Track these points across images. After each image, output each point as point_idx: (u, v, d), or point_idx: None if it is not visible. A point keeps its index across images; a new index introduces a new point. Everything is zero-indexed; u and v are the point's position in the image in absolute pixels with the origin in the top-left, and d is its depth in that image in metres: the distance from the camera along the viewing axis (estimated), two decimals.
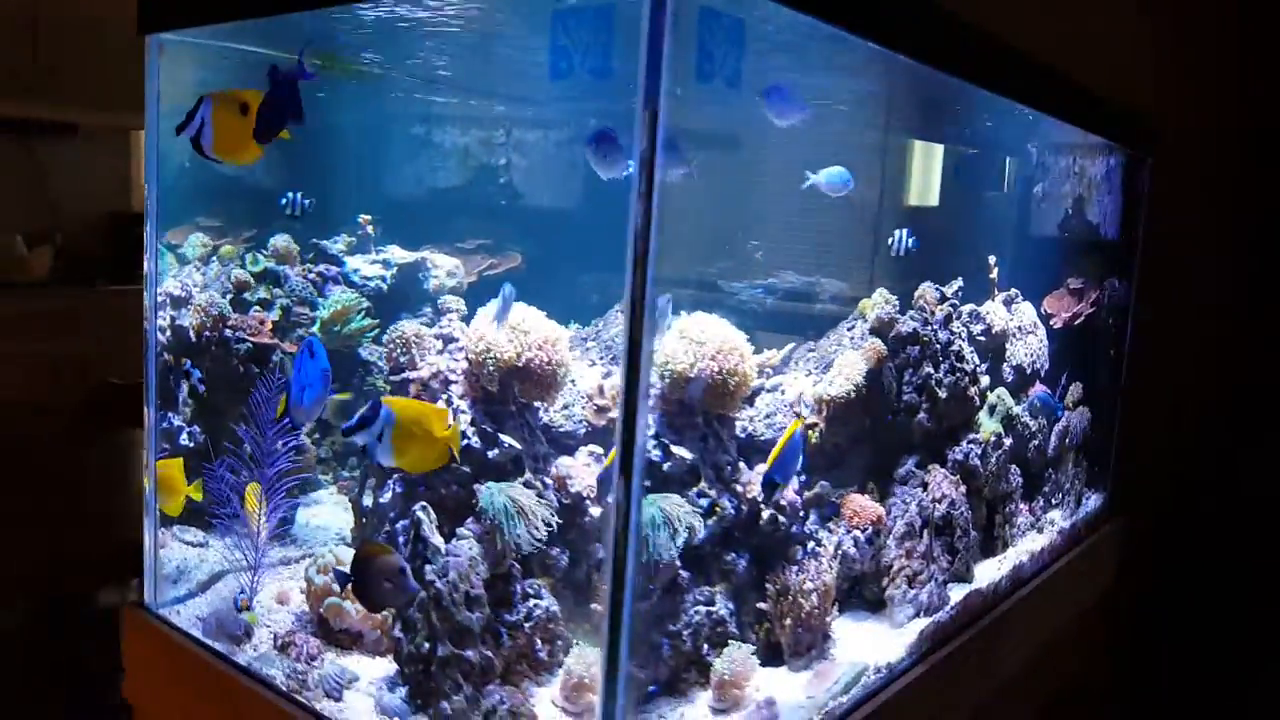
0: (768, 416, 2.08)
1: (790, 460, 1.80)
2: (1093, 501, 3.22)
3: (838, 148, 2.72)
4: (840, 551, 2.08)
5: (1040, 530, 2.84)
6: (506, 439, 1.75)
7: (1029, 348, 2.89)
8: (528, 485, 1.74)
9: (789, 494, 1.99)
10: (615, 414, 1.87)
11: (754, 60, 1.69)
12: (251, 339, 2.02)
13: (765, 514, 1.91)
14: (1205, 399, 3.72)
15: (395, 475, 1.83)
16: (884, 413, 2.31)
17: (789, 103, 1.70)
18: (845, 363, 2.12)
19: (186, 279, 2.11)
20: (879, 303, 2.21)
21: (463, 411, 1.75)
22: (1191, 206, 3.50)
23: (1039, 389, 2.77)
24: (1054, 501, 3.04)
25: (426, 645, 1.61)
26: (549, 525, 1.69)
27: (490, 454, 1.75)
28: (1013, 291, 2.94)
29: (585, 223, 2.48)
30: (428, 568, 1.65)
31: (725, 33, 1.49)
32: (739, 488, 1.91)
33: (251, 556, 1.84)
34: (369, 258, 2.38)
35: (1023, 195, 3.19)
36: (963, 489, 2.44)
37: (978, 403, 2.57)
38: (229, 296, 2.10)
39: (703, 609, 1.79)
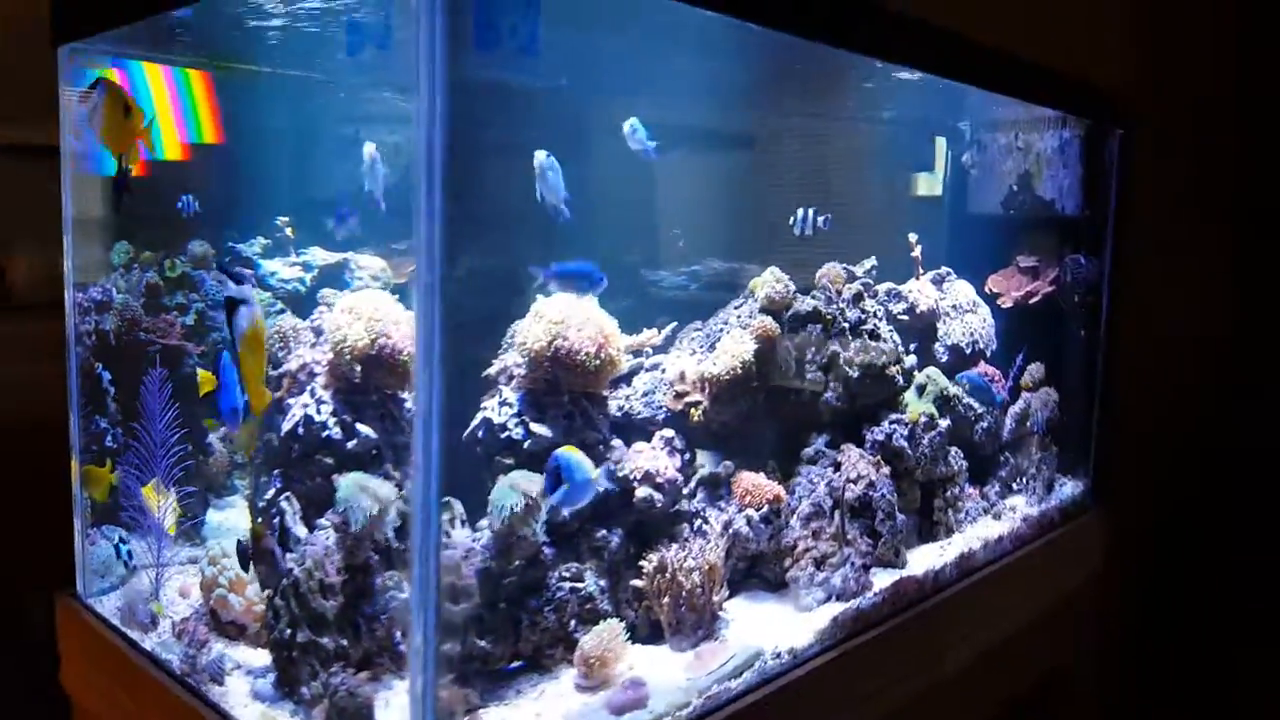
0: (645, 395, 2.10)
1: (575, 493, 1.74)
2: (1069, 489, 3.11)
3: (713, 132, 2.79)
4: (731, 530, 2.07)
5: (997, 516, 2.77)
6: (364, 429, 1.82)
7: (968, 327, 2.86)
8: (387, 477, 1.80)
9: (669, 472, 2.00)
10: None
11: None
12: (160, 341, 2.14)
13: (640, 492, 1.93)
14: (1195, 383, 3.60)
15: (275, 471, 1.91)
16: (784, 391, 2.32)
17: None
18: (730, 341, 2.14)
19: (109, 285, 2.24)
20: (769, 281, 2.23)
21: (324, 402, 1.83)
22: (1173, 176, 3.43)
23: (970, 371, 2.72)
24: (1014, 487, 2.96)
25: (288, 631, 1.67)
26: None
27: (349, 445, 1.82)
28: (943, 270, 2.92)
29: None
30: (289, 556, 1.72)
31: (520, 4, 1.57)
32: (610, 465, 1.94)
33: (155, 550, 1.95)
34: (288, 260, 2.49)
35: (958, 173, 3.19)
36: (885, 470, 2.40)
37: (901, 382, 2.54)
38: (142, 301, 2.23)
39: (568, 585, 1.80)
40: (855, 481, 2.31)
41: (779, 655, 1.87)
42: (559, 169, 1.79)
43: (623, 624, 1.85)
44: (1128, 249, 3.18)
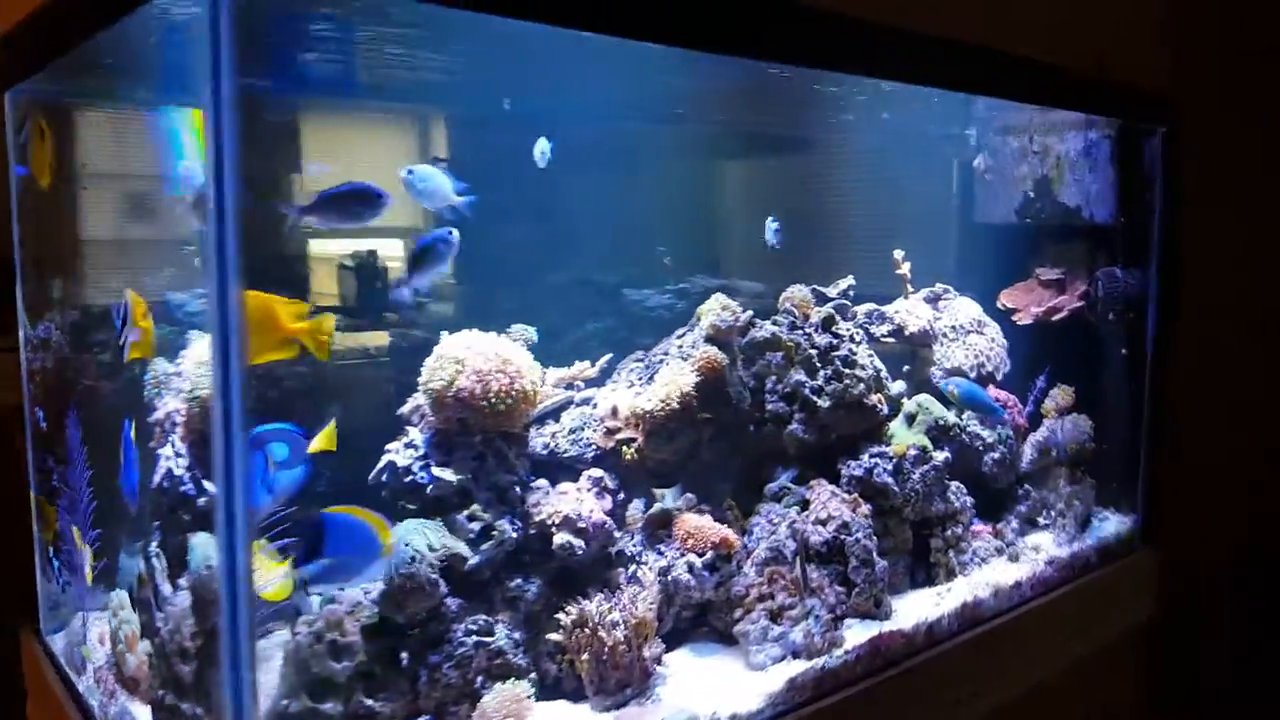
0: (572, 432, 1.99)
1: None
2: (1111, 525, 2.81)
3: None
4: (672, 578, 1.93)
5: (1014, 558, 2.51)
6: (210, 485, 1.76)
7: (971, 348, 2.63)
8: None
9: (595, 515, 1.88)
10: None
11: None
12: (83, 380, 2.18)
13: (558, 538, 1.82)
14: (1266, 409, 3.22)
15: (154, 522, 1.88)
16: (741, 425, 2.16)
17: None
18: (668, 373, 2.01)
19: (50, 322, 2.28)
20: (714, 309, 2.10)
21: (180, 455, 1.77)
22: (1233, 177, 3.11)
23: (961, 379, 2.49)
24: (1040, 523, 2.69)
25: (160, 693, 1.62)
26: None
27: (200, 501, 1.76)
28: (939, 287, 2.71)
29: None
30: (157, 615, 1.67)
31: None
32: (530, 509, 1.84)
33: (79, 593, 1.96)
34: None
35: (963, 182, 2.97)
36: (864, 509, 2.21)
37: (885, 411, 2.35)
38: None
39: (474, 639, 1.70)
40: (824, 523, 2.12)
41: None
42: (430, 176, 1.71)
43: (530, 682, 1.73)
44: (1177, 259, 2.88)
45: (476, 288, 2.55)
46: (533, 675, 1.78)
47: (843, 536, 2.09)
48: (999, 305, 2.88)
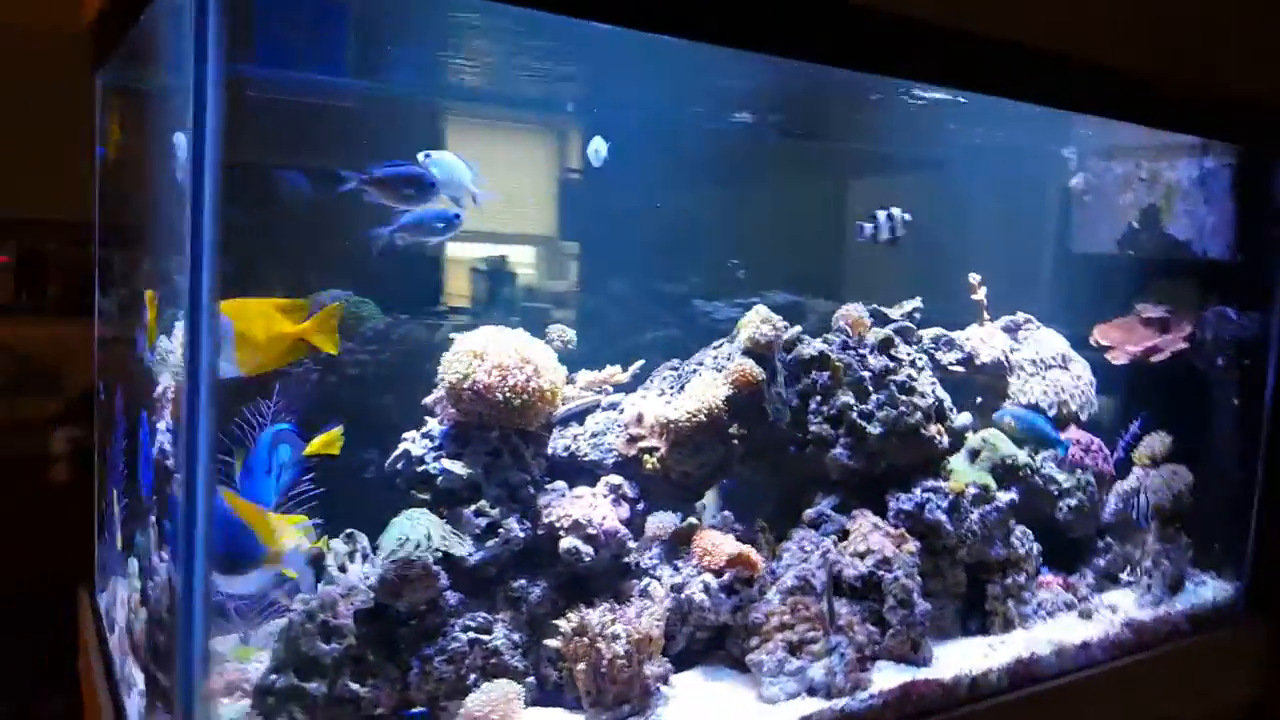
0: (594, 435, 1.93)
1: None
2: (1209, 590, 2.51)
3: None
4: (685, 596, 1.83)
5: (1085, 615, 2.27)
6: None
7: (1053, 385, 2.41)
8: None
9: (607, 523, 1.81)
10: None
11: None
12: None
13: (565, 542, 1.76)
14: None
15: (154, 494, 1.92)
16: (781, 444, 2.04)
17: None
18: (700, 384, 1.92)
19: None
20: (753, 321, 1.99)
21: (169, 430, 1.77)
22: None
23: (1017, 408, 2.28)
24: (1121, 580, 2.43)
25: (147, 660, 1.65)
26: None
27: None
28: (1019, 317, 2.49)
29: None
30: (149, 585, 1.70)
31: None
32: (540, 510, 1.78)
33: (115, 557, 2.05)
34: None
35: (1063, 208, 2.75)
36: (911, 545, 2.04)
37: (943, 443, 2.17)
38: None
39: (468, 635, 1.66)
40: (863, 556, 1.98)
41: None
42: (449, 164, 1.69)
43: (527, 686, 1.68)
44: None
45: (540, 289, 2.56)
46: (530, 679, 1.73)
47: (881, 573, 1.94)
48: (1093, 342, 2.64)
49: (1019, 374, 2.38)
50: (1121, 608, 2.33)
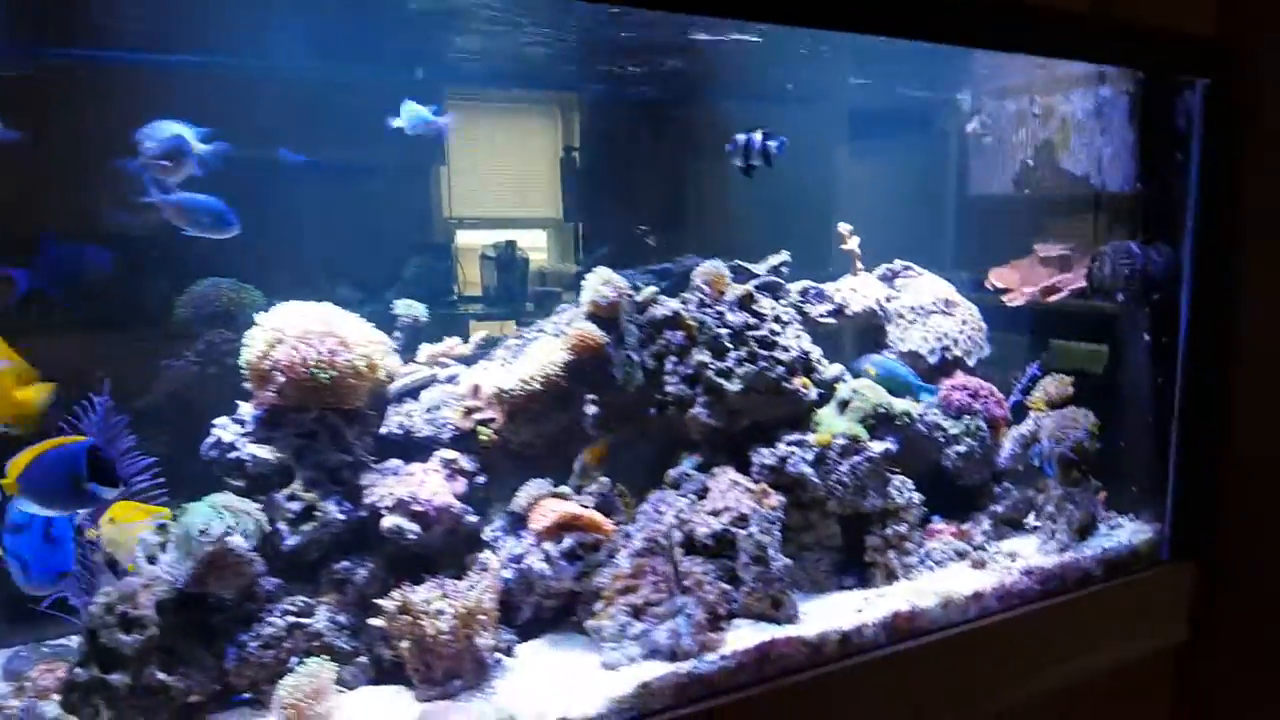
0: (429, 410, 1.86)
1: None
2: (1124, 535, 2.37)
3: None
4: (525, 566, 1.75)
5: (979, 564, 2.15)
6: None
7: (934, 330, 2.30)
8: None
9: (439, 498, 1.74)
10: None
11: None
12: None
13: (387, 521, 1.69)
14: None
15: None
16: (636, 407, 1.96)
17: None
18: (537, 350, 1.84)
19: None
20: (593, 284, 1.91)
21: None
22: None
23: (879, 355, 2.16)
24: (1026, 526, 2.31)
25: None
26: None
27: None
28: (897, 264, 2.38)
29: None
30: None
31: None
32: (363, 490, 1.73)
33: None
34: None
35: (959, 152, 2.62)
36: (773, 500, 1.95)
37: (810, 396, 2.07)
38: None
39: (286, 620, 1.60)
40: (718, 514, 1.89)
41: None
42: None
43: (353, 665, 1.62)
44: (1223, 231, 2.39)
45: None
46: (363, 659, 1.67)
47: (735, 530, 1.85)
48: (987, 285, 2.52)
49: (898, 322, 2.27)
50: (1022, 555, 2.21)
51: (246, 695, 1.60)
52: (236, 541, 1.56)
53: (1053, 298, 2.41)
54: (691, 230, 2.88)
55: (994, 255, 2.52)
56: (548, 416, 1.84)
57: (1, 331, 1.60)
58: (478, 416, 1.81)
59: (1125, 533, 2.37)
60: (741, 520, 1.87)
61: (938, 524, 2.24)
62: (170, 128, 1.60)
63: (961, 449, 2.22)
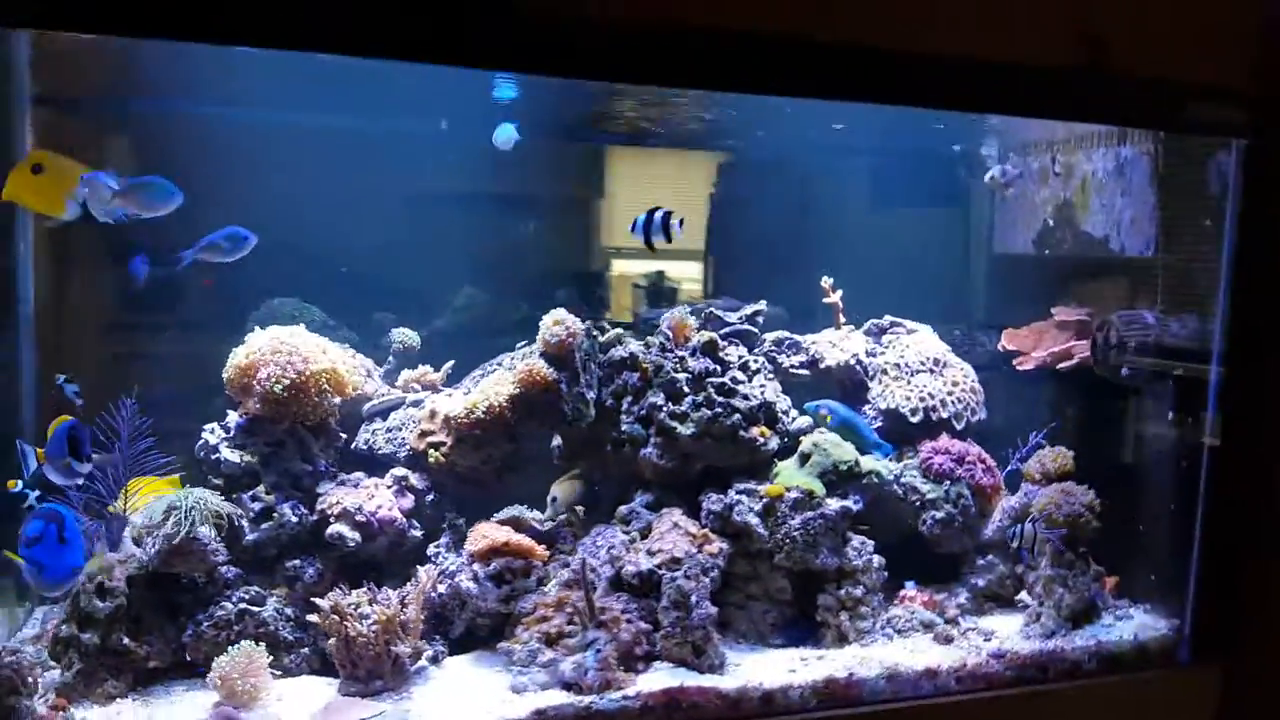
0: (390, 431, 1.99)
1: None
2: (1130, 626, 2.14)
3: None
4: (455, 583, 1.84)
5: (945, 639, 2.02)
6: None
7: (917, 390, 2.20)
8: None
9: (383, 512, 1.87)
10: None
11: None
12: None
13: (331, 528, 1.84)
14: None
15: None
16: (594, 443, 2.01)
17: None
18: (489, 382, 1.93)
19: None
20: (547, 324, 1.99)
21: None
22: None
23: (831, 401, 2.07)
24: (1017, 603, 2.14)
25: None
26: None
27: None
28: (886, 320, 2.29)
29: None
30: None
31: None
32: (320, 499, 1.88)
33: None
34: None
35: (982, 208, 2.50)
36: (713, 547, 1.94)
37: (768, 446, 2.04)
38: None
39: (238, 606, 1.76)
40: (654, 554, 1.91)
41: None
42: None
43: (301, 655, 1.78)
44: (1259, 299, 2.15)
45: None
46: (306, 650, 1.82)
47: (661, 572, 1.87)
48: (999, 348, 2.39)
49: (880, 378, 2.20)
50: (1000, 635, 2.07)
51: (203, 669, 1.79)
52: (202, 531, 1.77)
53: (1063, 365, 2.25)
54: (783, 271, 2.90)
55: (1013, 316, 2.38)
56: (493, 444, 1.94)
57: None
58: (431, 439, 1.94)
59: (1133, 625, 2.15)
60: (674, 563, 1.89)
61: (910, 590, 2.13)
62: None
63: (939, 515, 2.11)
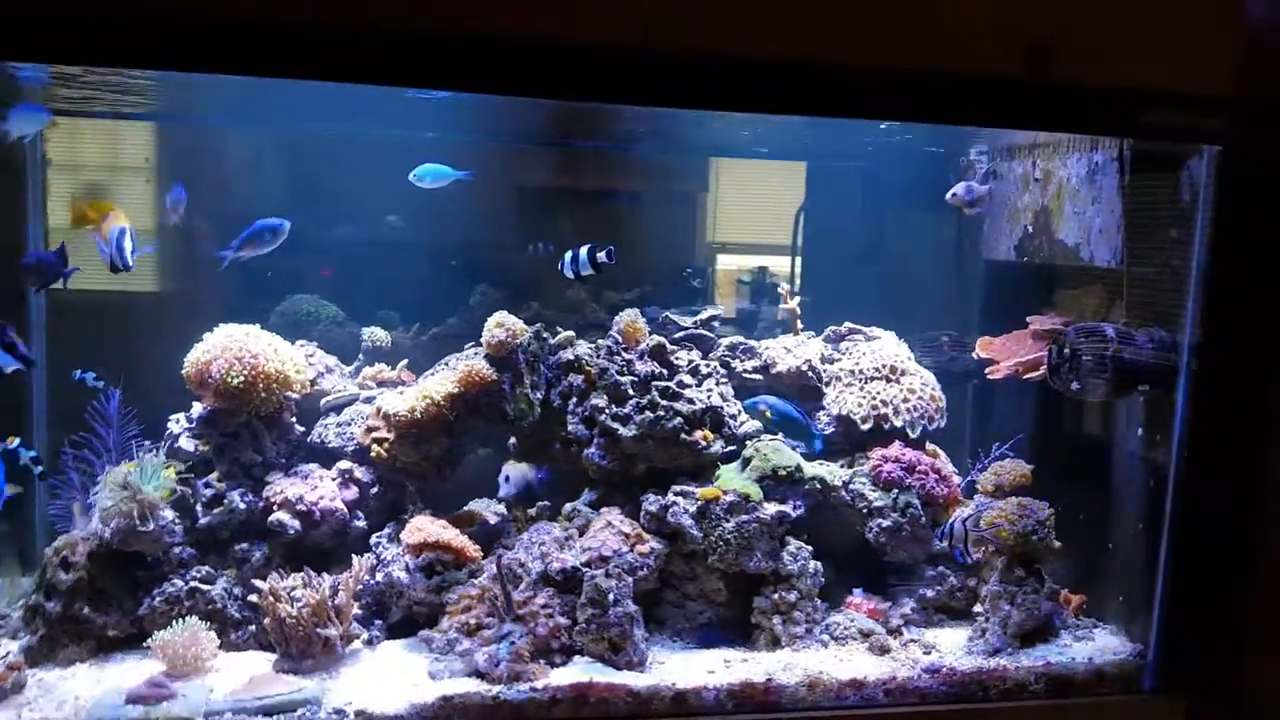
0: (340, 425, 2.04)
1: None
2: (1087, 649, 2.03)
3: None
4: (387, 574, 1.89)
5: (880, 650, 1.97)
6: None
7: (869, 397, 2.13)
8: None
9: (325, 502, 1.94)
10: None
11: None
12: None
13: (273, 516, 1.91)
14: None
15: None
16: (539, 442, 2.03)
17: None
18: (431, 381, 1.96)
19: None
20: (490, 326, 2.00)
21: None
22: None
23: (771, 397, 2.02)
24: (975, 616, 2.06)
25: None
26: None
27: None
28: (844, 327, 2.22)
29: None
30: None
31: None
32: (270, 487, 1.96)
33: None
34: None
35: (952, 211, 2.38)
36: (645, 547, 1.94)
37: (711, 449, 2.01)
38: None
39: (189, 584, 1.85)
40: (584, 551, 1.92)
41: (341, 713, 1.65)
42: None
43: (249, 632, 1.87)
44: (1224, 313, 1.97)
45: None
46: (252, 627, 1.91)
47: (584, 569, 1.88)
48: (974, 355, 2.30)
49: (834, 384, 2.15)
50: (942, 649, 2.00)
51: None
52: (165, 515, 1.88)
53: (1030, 375, 2.15)
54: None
55: (1001, 324, 2.29)
56: (432, 440, 1.98)
57: None
58: (375, 435, 2.00)
59: (1091, 647, 2.05)
60: (602, 561, 1.89)
61: (855, 598, 2.08)
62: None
63: (886, 523, 2.05)
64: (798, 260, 2.70)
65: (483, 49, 1.51)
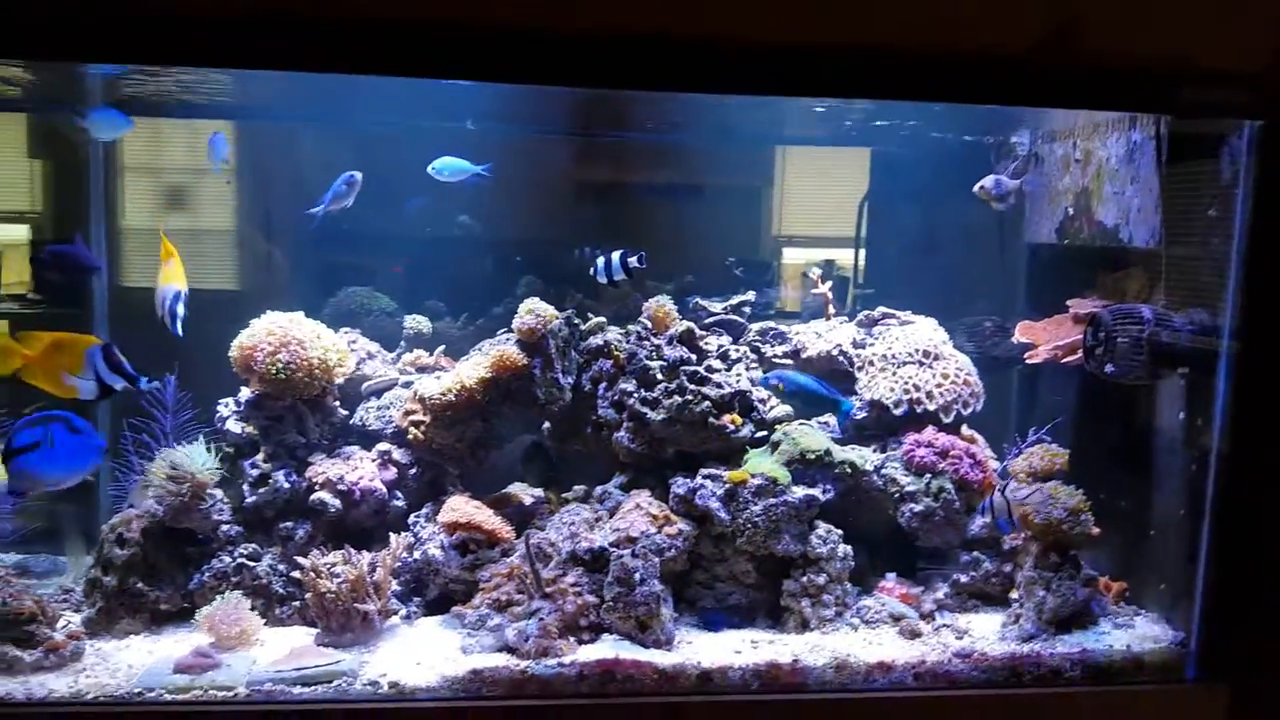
0: (380, 409, 2.09)
1: None
2: (1128, 638, 1.97)
3: None
4: (424, 552, 1.93)
5: (911, 634, 1.94)
6: None
7: (902, 382, 2.10)
8: None
9: (365, 482, 1.99)
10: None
11: None
12: None
13: (315, 495, 1.96)
14: None
15: None
16: (571, 425, 2.05)
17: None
18: (465, 365, 2.00)
19: None
20: (521, 312, 2.03)
21: None
22: None
23: (793, 372, 2.00)
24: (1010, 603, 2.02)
25: None
26: None
27: None
28: (878, 312, 2.19)
29: None
30: None
31: None
32: (313, 468, 2.01)
33: None
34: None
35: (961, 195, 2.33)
36: (673, 529, 1.95)
37: (740, 433, 2.01)
38: None
39: (236, 560, 1.92)
40: (614, 532, 1.94)
41: (375, 684, 1.70)
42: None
43: (292, 607, 1.93)
44: (1274, 296, 1.90)
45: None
46: (297, 602, 1.97)
47: (612, 549, 1.89)
48: (1014, 340, 2.26)
49: (868, 369, 2.13)
50: (974, 635, 1.97)
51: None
52: (213, 493, 1.95)
53: (1068, 359, 2.10)
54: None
55: (1040, 308, 2.24)
56: (466, 423, 2.02)
57: None
58: (412, 418, 2.05)
59: (1130, 635, 2.00)
60: (629, 542, 1.91)
61: (888, 582, 2.06)
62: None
63: (919, 508, 2.03)
64: (861, 252, 2.65)
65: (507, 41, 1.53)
